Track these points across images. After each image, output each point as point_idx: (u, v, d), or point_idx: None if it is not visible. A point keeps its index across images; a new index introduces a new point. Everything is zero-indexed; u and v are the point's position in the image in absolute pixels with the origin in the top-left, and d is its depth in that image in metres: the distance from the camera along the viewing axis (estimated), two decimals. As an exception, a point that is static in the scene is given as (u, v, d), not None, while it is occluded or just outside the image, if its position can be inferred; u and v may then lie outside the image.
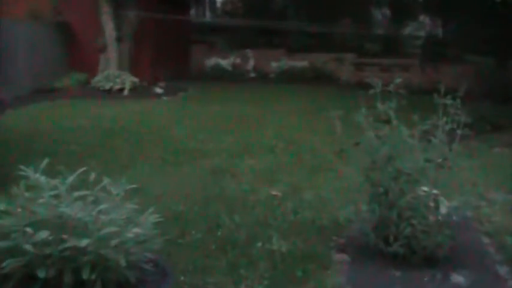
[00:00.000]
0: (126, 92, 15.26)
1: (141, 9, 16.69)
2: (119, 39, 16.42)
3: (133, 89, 15.58)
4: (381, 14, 24.04)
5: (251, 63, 21.72)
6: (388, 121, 5.18)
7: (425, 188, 4.86)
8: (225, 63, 21.41)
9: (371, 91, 5.29)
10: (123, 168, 7.34)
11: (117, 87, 15.35)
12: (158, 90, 16.21)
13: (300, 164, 8.16)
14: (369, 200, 5.02)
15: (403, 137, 5.11)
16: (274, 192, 6.68)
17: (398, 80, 5.32)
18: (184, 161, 8.01)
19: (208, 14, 28.78)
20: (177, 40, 20.43)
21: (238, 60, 21.65)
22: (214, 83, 19.07)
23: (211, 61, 21.48)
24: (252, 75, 21.53)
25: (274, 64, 21.61)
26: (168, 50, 19.18)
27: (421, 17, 22.85)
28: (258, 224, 5.59)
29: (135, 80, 15.82)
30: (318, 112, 13.05)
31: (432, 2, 21.59)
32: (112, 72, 15.85)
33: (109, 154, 8.17)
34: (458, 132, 5.33)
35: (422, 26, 22.63)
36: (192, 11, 26.19)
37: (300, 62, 21.53)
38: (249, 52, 21.79)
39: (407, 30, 22.91)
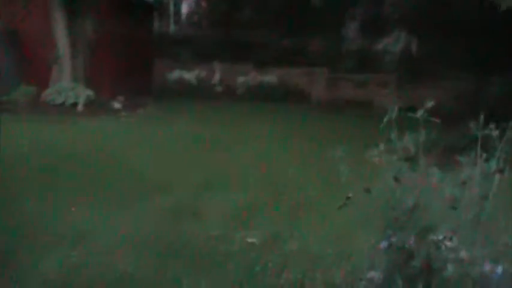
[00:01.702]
0: (80, 108, 13.77)
1: (98, 18, 15.26)
2: (73, 50, 14.93)
3: (89, 104, 14.10)
4: (354, 28, 22.97)
5: (217, 78, 20.41)
6: (411, 158, 3.86)
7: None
8: (189, 76, 20.07)
9: (386, 118, 3.95)
10: (59, 210, 5.90)
11: (71, 101, 13.86)
12: (116, 105, 14.75)
13: (278, 202, 6.82)
14: (384, 266, 3.71)
15: (434, 181, 3.78)
16: (250, 240, 5.36)
17: (430, 103, 3.98)
18: (138, 198, 6.58)
19: (172, 25, 27.41)
20: (137, 52, 18.97)
21: (203, 74, 20.32)
22: (178, 98, 17.71)
23: (175, 74, 20.11)
24: (218, 89, 20.22)
25: (241, 78, 20.34)
26: (128, 62, 17.73)
27: (397, 32, 21.83)
28: (232, 288, 4.27)
29: (91, 93, 14.34)
30: (294, 137, 11.83)
31: (408, 16, 20.72)
32: (65, 85, 14.35)
33: (44, 191, 6.62)
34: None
35: (398, 41, 21.62)
36: (155, 22, 24.80)
37: (269, 77, 20.30)
38: (216, 65, 20.49)
39: (382, 45, 21.86)
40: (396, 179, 3.67)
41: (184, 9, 30.83)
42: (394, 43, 21.62)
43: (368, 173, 3.81)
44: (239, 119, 13.86)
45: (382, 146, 3.87)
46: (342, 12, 22.18)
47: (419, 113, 3.89)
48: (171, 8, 29.48)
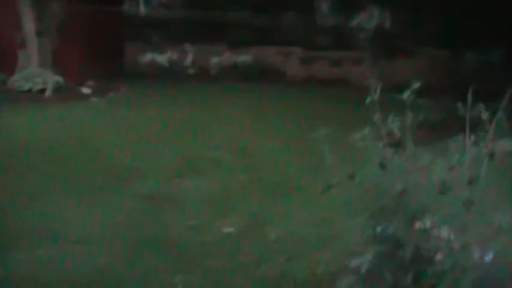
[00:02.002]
0: (48, 94, 13.28)
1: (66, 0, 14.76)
2: (40, 33, 14.41)
3: (57, 90, 13.62)
4: (326, 6, 22.62)
5: (190, 59, 19.97)
6: (396, 144, 3.63)
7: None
8: (161, 59, 19.60)
9: (369, 99, 3.72)
10: (29, 200, 5.59)
11: (38, 87, 13.38)
12: (86, 90, 14.25)
13: (258, 183, 6.59)
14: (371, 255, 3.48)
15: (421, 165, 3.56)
16: (228, 229, 5.12)
17: (417, 84, 3.75)
18: (111, 185, 6.30)
19: (142, 7, 26.82)
20: (108, 35, 18.45)
21: (175, 56, 19.87)
22: (150, 82, 17.24)
23: (147, 57, 19.62)
24: (191, 71, 19.79)
25: (215, 59, 19.93)
26: (98, 45, 17.20)
27: (369, 8, 21.53)
28: (210, 284, 4.03)
29: (59, 79, 13.86)
30: (270, 114, 11.56)
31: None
32: (32, 70, 13.86)
33: (12, 179, 6.32)
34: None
35: (371, 17, 21.35)
36: (126, 4, 24.22)
37: (243, 57, 19.93)
38: (188, 47, 20.03)
39: (356, 21, 21.56)
40: (382, 165, 3.44)
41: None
42: (368, 19, 21.36)
43: (351, 156, 3.61)
44: (213, 100, 13.49)
45: (366, 130, 3.63)
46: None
47: (406, 95, 3.66)
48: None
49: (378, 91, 3.60)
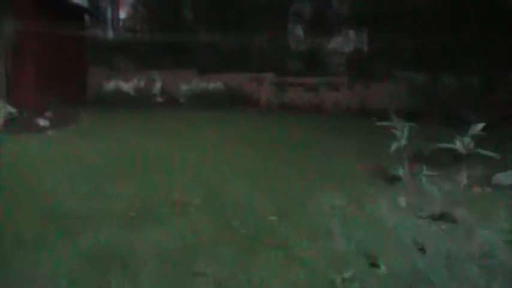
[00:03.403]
0: (-1, 126, 12.13)
1: (21, 20, 13.59)
2: (-9, 59, 13.27)
3: (10, 122, 12.46)
4: (300, 29, 21.82)
5: (158, 87, 18.92)
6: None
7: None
8: (127, 87, 18.52)
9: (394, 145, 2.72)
10: None
11: (-13, 120, 12.23)
12: (42, 122, 13.07)
13: (229, 235, 5.49)
14: None
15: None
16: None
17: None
18: (51, 236, 5.17)
19: (109, 31, 25.78)
20: (69, 60, 17.36)
21: (142, 84, 18.80)
22: (115, 111, 16.18)
23: (111, 85, 18.53)
24: (159, 100, 18.74)
25: (184, 87, 18.92)
26: (58, 71, 16.11)
27: (345, 31, 20.79)
28: None
29: (12, 110, 12.69)
30: (242, 146, 10.53)
31: (356, 15, 19.73)
32: (-18, 101, 12.71)
33: None
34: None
35: (347, 41, 20.59)
36: (93, 28, 23.15)
37: (214, 84, 18.94)
38: (155, 74, 18.98)
39: (331, 45, 20.78)
40: (419, 246, 2.40)
41: (123, 14, 29.20)
42: (343, 43, 20.59)
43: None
44: (181, 131, 12.49)
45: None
46: (286, 11, 21.05)
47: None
48: (109, 12, 27.85)
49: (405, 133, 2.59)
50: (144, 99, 18.25)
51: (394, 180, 2.62)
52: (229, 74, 19.00)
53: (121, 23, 27.34)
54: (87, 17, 21.87)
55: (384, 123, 2.76)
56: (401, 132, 2.72)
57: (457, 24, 15.36)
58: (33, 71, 14.65)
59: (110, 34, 24.73)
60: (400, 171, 2.67)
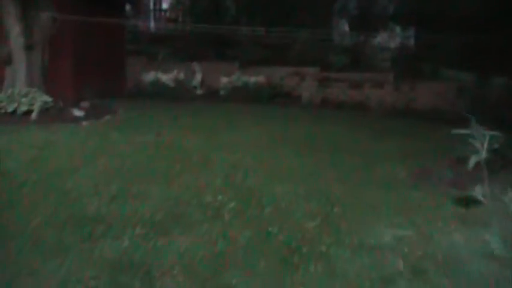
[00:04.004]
0: (34, 116, 11.83)
1: (59, 9, 13.28)
2: (28, 47, 12.96)
3: (46, 112, 12.18)
4: (346, 24, 21.16)
5: (198, 79, 18.50)
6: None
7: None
8: (166, 78, 18.14)
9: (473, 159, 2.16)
10: None
11: (24, 109, 11.93)
12: (77, 113, 12.70)
13: (264, 244, 4.99)
14: None
15: None
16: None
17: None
18: (72, 240, 4.75)
19: (151, 22, 25.54)
20: (108, 50, 17.08)
21: (182, 75, 18.40)
22: (153, 103, 15.81)
23: (150, 76, 18.17)
24: (199, 92, 18.33)
25: (224, 79, 18.46)
26: (97, 61, 15.83)
27: (391, 27, 20.06)
28: None
29: (48, 99, 12.40)
30: (283, 145, 10.01)
31: (402, 11, 19.00)
32: (18, 89, 12.42)
33: None
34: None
35: (393, 37, 19.86)
36: (134, 18, 22.91)
37: (255, 77, 18.44)
38: (196, 65, 18.57)
39: (376, 41, 20.07)
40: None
41: (165, 4, 28.96)
42: (389, 39, 19.88)
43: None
44: (219, 127, 12.02)
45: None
46: (330, 6, 20.40)
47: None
48: (151, 2, 27.65)
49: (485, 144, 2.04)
50: (184, 91, 17.86)
51: (470, 203, 2.09)
52: (271, 68, 18.48)
53: (163, 14, 27.11)
54: (128, 7, 21.63)
55: (460, 131, 2.20)
56: (482, 142, 2.16)
57: (506, 23, 14.53)
58: (71, 61, 14.38)
59: (151, 25, 24.46)
60: (478, 192, 2.12)
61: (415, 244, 5.06)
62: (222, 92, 18.40)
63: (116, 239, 4.89)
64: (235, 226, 5.39)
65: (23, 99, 12.06)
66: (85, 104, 13.62)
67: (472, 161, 2.11)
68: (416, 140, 10.94)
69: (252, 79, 18.43)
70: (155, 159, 8.35)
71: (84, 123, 11.83)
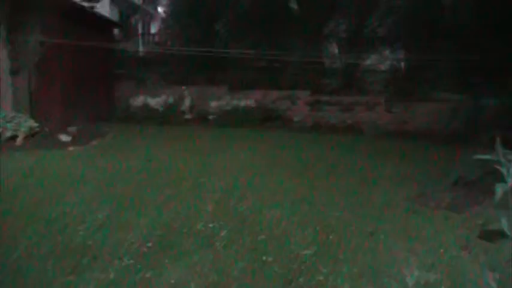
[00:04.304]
0: (19, 141, 11.54)
1: (47, 33, 13.05)
2: (15, 72, 12.72)
3: (31, 137, 11.90)
4: (336, 47, 21.03)
5: (187, 103, 18.27)
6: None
7: None
8: (155, 102, 17.92)
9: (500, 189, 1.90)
10: None
11: (9, 134, 11.65)
12: (65, 138, 12.40)
13: (258, 272, 4.74)
14: None
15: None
16: None
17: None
18: (55, 276, 4.47)
19: (140, 45, 25.34)
20: (96, 74, 16.84)
21: (171, 100, 18.17)
22: (141, 128, 15.56)
23: (139, 100, 17.94)
24: (188, 116, 18.09)
25: (214, 103, 18.25)
26: (85, 85, 15.57)
27: (382, 50, 19.95)
28: None
29: (34, 124, 12.13)
30: (275, 168, 9.76)
31: (393, 32, 18.89)
32: (4, 114, 12.14)
33: None
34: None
35: (383, 60, 19.75)
36: (123, 42, 22.69)
37: (245, 101, 18.23)
38: (185, 90, 18.35)
39: (367, 64, 19.93)
40: None
41: (154, 28, 28.81)
42: (380, 61, 19.77)
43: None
44: (210, 150, 11.75)
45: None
46: (321, 28, 20.27)
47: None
48: (139, 27, 27.51)
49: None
50: (173, 116, 17.61)
51: (495, 237, 1.85)
52: (262, 91, 18.29)
53: (152, 38, 26.95)
54: (116, 32, 21.45)
55: (485, 157, 1.97)
56: (508, 167, 1.93)
57: (498, 42, 14.42)
58: (58, 85, 14.10)
59: (140, 49, 24.28)
60: (504, 225, 1.87)
61: (417, 270, 4.83)
62: (211, 117, 18.16)
63: (102, 271, 4.63)
64: (227, 256, 5.14)
65: (8, 125, 11.78)
66: (72, 128, 13.35)
67: (499, 192, 1.88)
68: (411, 162, 10.71)
69: (242, 103, 18.23)
70: (144, 185, 8.08)
71: (71, 148, 11.55)
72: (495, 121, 13.88)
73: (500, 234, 1.90)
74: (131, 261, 4.86)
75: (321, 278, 4.69)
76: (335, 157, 11.29)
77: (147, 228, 5.83)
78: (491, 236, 2.01)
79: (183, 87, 18.47)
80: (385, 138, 15.09)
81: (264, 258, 5.11)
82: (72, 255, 4.94)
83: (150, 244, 5.31)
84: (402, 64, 19.51)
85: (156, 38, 26.07)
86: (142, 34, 27.08)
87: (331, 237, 5.78)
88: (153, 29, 28.72)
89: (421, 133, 15.35)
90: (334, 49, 21.01)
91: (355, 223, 6.31)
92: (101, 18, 17.36)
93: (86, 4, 16.55)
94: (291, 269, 4.87)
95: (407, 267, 4.93)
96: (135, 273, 4.61)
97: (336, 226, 6.17)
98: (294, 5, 19.81)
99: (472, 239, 5.71)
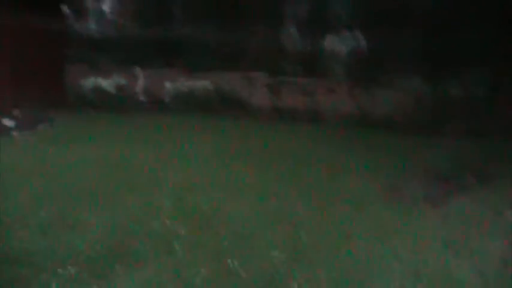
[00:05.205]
0: (-43, 127, 10.68)
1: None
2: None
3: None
4: (296, 28, 20.44)
5: (141, 85, 17.48)
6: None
7: None
8: (107, 84, 17.07)
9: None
10: None
11: None
12: (8, 122, 11.53)
13: (223, 280, 4.19)
14: None
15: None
16: None
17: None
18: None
19: (92, 25, 24.25)
20: (44, 55, 15.86)
21: (124, 81, 17.36)
22: (93, 111, 14.76)
23: (90, 82, 17.06)
24: (142, 99, 17.32)
25: (169, 86, 17.50)
26: (31, 67, 14.63)
27: (343, 31, 19.43)
28: None
29: (-26, 108, 11.26)
30: (235, 159, 9.15)
31: (356, 13, 18.42)
32: None
33: None
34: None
35: (345, 41, 19.27)
36: (72, 21, 21.62)
37: (201, 83, 17.54)
38: (138, 71, 17.55)
39: (329, 46, 19.38)
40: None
41: (107, 7, 27.66)
42: (342, 44, 19.30)
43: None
44: (164, 137, 11.09)
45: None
46: (280, 11, 19.68)
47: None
48: (90, 5, 26.38)
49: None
50: (125, 99, 16.82)
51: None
52: (219, 74, 17.62)
53: (104, 17, 25.89)
54: (68, 12, 20.44)
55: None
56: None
57: (467, 27, 14.10)
58: (8, 68, 13.19)
59: (92, 29, 23.23)
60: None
61: (401, 278, 4.34)
62: (166, 100, 17.43)
63: (43, 285, 3.98)
64: (189, 262, 4.54)
65: None
66: (17, 112, 12.47)
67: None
68: (379, 153, 10.24)
69: (199, 85, 17.55)
70: (96, 179, 7.34)
71: (15, 133, 10.71)
72: (462, 111, 13.62)
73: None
74: (78, 271, 4.22)
75: (295, 285, 4.17)
76: (300, 147, 10.73)
77: (98, 230, 5.17)
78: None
79: (137, 69, 17.69)
80: (348, 126, 14.62)
81: (229, 263, 4.53)
82: (9, 266, 4.27)
83: (100, 249, 4.66)
84: (365, 48, 19.05)
85: (109, 18, 25.04)
86: (95, 14, 25.98)
87: (303, 237, 5.24)
88: (106, 8, 27.60)
89: (385, 122, 14.88)
90: (295, 31, 20.43)
91: (329, 221, 5.79)
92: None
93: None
94: (261, 276, 4.31)
95: (391, 273, 4.46)
96: (80, 285, 3.98)
97: (307, 223, 5.64)
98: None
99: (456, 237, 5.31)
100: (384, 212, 6.20)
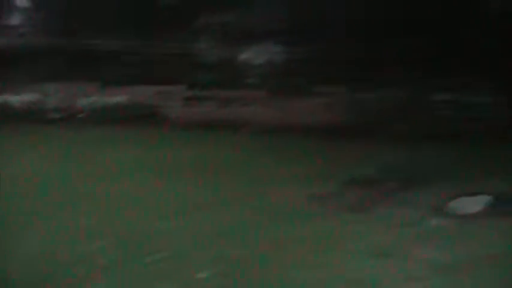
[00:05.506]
0: None
1: None
2: None
3: None
4: (211, 40, 20.31)
5: (53, 101, 16.84)
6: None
7: None
8: (16, 101, 16.35)
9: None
10: None
11: None
12: None
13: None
14: None
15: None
16: None
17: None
18: None
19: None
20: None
21: (34, 98, 16.68)
22: (3, 128, 14.05)
23: (-3, 98, 16.30)
24: (55, 115, 16.66)
25: (83, 101, 16.94)
26: None
27: (259, 41, 19.46)
28: None
29: None
30: (158, 174, 8.88)
31: (273, 24, 18.48)
32: None
33: None
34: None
35: (263, 52, 19.28)
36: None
37: (117, 98, 17.07)
38: (50, 86, 16.92)
39: (245, 57, 19.36)
40: None
41: (15, 20, 26.72)
42: (258, 55, 19.31)
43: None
44: (82, 154, 10.66)
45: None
46: (195, 21, 19.52)
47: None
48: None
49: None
50: (37, 115, 16.14)
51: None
52: (135, 87, 17.21)
53: (13, 30, 24.96)
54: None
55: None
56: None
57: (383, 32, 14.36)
58: None
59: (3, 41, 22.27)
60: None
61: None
62: (80, 115, 16.86)
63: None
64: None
65: None
66: None
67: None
68: (301, 161, 10.19)
69: (114, 100, 17.09)
70: (8, 197, 6.87)
71: None
72: (390, 116, 13.79)
73: None
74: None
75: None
76: (221, 157, 10.59)
77: (9, 256, 4.75)
78: None
79: (48, 84, 17.04)
80: (267, 135, 14.56)
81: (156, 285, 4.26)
82: None
83: (10, 280, 4.27)
84: (282, 57, 19.11)
85: (18, 31, 24.13)
86: (3, 26, 24.98)
87: (233, 253, 5.03)
88: (14, 21, 26.61)
89: (304, 129, 14.94)
90: (210, 42, 20.30)
91: (258, 232, 5.61)
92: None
93: None
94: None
95: (319, 283, 4.32)
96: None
97: (237, 237, 5.44)
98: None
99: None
100: (309, 220, 6.12)
